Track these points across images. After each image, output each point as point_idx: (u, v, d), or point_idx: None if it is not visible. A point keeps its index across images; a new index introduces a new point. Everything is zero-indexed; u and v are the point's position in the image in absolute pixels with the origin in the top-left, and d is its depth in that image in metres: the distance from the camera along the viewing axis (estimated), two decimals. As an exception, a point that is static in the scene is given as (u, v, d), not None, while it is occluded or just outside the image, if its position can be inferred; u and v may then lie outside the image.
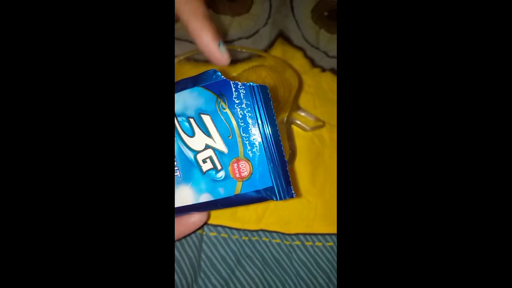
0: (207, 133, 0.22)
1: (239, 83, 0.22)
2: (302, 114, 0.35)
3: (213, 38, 0.22)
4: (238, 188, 0.21)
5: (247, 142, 0.21)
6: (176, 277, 0.28)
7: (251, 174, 0.21)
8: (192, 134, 0.22)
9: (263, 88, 0.22)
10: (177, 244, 0.29)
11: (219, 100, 0.22)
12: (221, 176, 0.22)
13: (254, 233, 0.31)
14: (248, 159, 0.21)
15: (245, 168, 0.21)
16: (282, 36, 0.39)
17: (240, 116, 0.22)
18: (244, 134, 0.22)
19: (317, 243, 0.31)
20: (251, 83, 0.22)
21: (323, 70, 0.38)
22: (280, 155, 0.21)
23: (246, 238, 0.30)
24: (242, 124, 0.22)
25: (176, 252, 0.28)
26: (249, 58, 0.36)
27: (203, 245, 0.29)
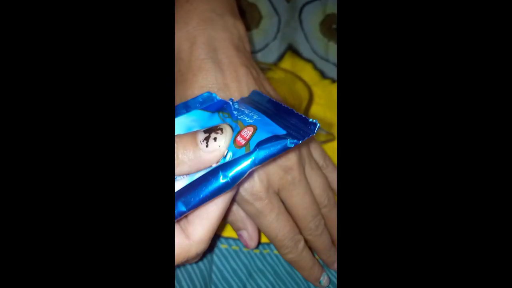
0: None
1: (233, 100, 0.22)
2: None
3: None
4: (247, 149, 0.18)
5: (244, 117, 0.20)
6: (187, 290, 0.28)
7: (255, 131, 0.18)
8: None
9: (253, 93, 0.21)
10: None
11: (221, 113, 0.22)
12: (230, 158, 0.19)
13: (266, 246, 0.30)
14: (250, 124, 0.19)
15: (247, 131, 0.19)
16: (291, 49, 0.39)
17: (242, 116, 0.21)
18: (241, 117, 0.20)
19: (330, 256, 0.30)
20: (242, 97, 0.22)
21: (333, 81, 0.38)
22: (281, 106, 0.19)
23: (257, 251, 0.30)
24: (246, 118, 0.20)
25: (187, 265, 0.28)
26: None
27: (214, 257, 0.29)
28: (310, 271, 0.27)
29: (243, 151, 0.18)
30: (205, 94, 0.22)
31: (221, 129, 0.19)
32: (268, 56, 0.39)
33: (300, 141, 0.18)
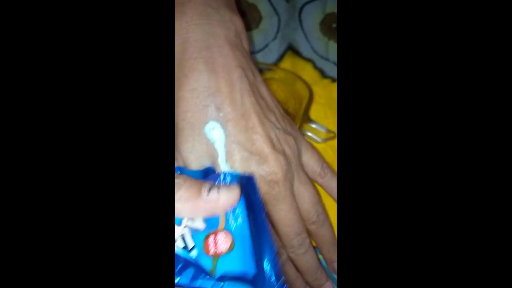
0: None
1: (226, 174, 0.21)
2: (313, 126, 0.35)
3: None
4: (212, 269, 0.17)
5: (230, 215, 0.18)
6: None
7: (231, 248, 0.17)
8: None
9: (246, 177, 0.20)
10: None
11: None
12: (193, 256, 0.18)
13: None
14: (229, 231, 0.18)
15: (224, 241, 0.18)
16: (291, 49, 0.39)
17: None
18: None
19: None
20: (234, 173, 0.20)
21: (333, 80, 0.38)
22: (267, 239, 0.18)
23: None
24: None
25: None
26: (260, 71, 0.36)
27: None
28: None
29: (209, 262, 0.17)
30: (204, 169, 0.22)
31: (228, 187, 0.19)
32: (268, 56, 0.39)
33: None
